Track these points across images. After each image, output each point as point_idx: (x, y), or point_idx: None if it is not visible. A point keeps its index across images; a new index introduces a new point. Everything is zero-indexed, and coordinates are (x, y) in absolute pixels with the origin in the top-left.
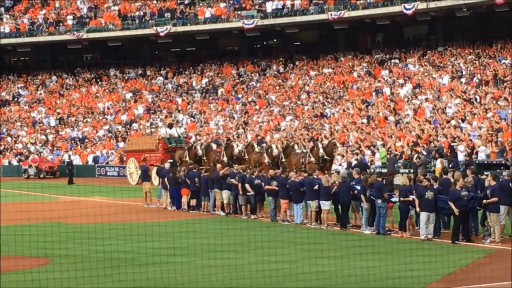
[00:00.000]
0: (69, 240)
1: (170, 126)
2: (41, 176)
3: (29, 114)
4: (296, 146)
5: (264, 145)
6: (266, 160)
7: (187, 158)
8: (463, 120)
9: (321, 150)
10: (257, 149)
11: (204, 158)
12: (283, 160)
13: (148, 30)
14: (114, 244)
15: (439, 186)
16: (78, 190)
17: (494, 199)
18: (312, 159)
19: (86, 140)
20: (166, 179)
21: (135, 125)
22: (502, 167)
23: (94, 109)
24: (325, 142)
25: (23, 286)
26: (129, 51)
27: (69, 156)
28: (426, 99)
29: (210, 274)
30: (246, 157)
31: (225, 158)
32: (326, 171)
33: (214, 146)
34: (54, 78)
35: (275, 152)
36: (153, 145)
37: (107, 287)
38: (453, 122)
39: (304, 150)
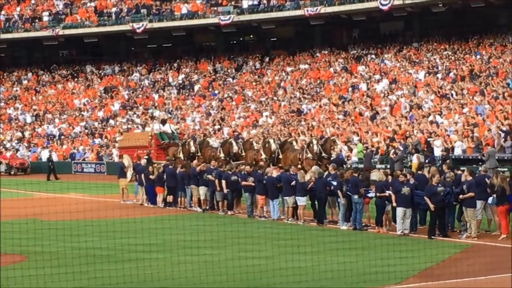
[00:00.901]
0: (45, 237)
1: (164, 122)
2: (12, 173)
3: (5, 111)
4: (294, 142)
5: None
6: (263, 156)
7: (181, 155)
8: (439, 116)
9: (315, 147)
10: (256, 146)
11: (199, 154)
12: (280, 156)
13: (124, 27)
14: (90, 241)
15: (415, 181)
16: (54, 187)
17: (471, 194)
18: (309, 155)
19: (63, 137)
20: (142, 175)
21: (111, 122)
22: (478, 162)
23: (70, 105)
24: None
25: None
26: (105, 48)
27: (50, 152)
28: (403, 95)
29: (186, 270)
30: (243, 154)
31: (222, 155)
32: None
33: (210, 141)
34: (30, 74)
35: (273, 147)
36: (146, 142)
37: (83, 284)
38: (429, 118)
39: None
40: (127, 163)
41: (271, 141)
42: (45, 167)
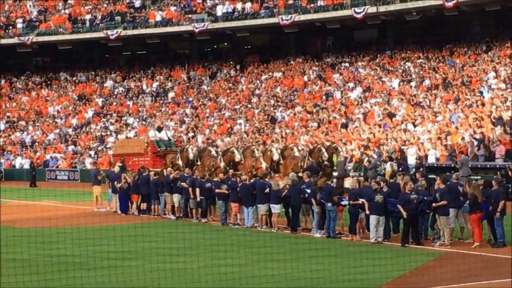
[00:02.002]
0: (17, 244)
1: (160, 129)
2: None
3: None
4: (295, 149)
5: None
6: (264, 165)
7: (180, 161)
8: (413, 124)
9: (325, 154)
10: (257, 154)
11: (198, 163)
12: (281, 162)
13: (98, 34)
14: (63, 248)
15: (388, 189)
16: (26, 194)
17: (443, 202)
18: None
19: (36, 144)
20: (115, 183)
21: (83, 129)
22: (451, 170)
23: (44, 112)
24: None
25: None
26: (79, 55)
27: (32, 161)
28: (376, 103)
29: (159, 278)
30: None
31: (222, 164)
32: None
33: (212, 150)
34: (3, 81)
35: (276, 156)
36: (141, 149)
37: None
38: (403, 126)
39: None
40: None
41: (273, 149)
42: (19, 174)
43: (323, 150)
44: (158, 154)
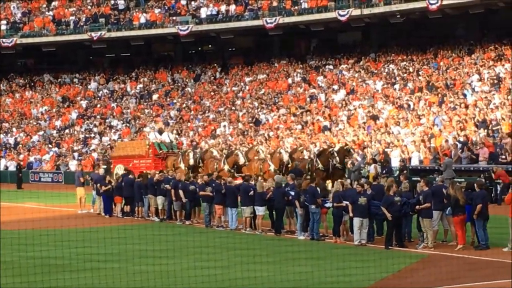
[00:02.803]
0: (1, 246)
1: (161, 131)
2: None
3: None
4: (305, 151)
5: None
6: (272, 167)
7: (182, 165)
8: (397, 126)
9: (337, 158)
10: (262, 155)
11: (200, 165)
12: (289, 166)
13: (82, 36)
14: (46, 250)
15: (372, 191)
16: (9, 196)
17: (427, 204)
18: (320, 165)
19: (19, 146)
20: (98, 185)
21: (67, 131)
22: (435, 173)
23: (28, 114)
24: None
25: None
26: (63, 57)
27: (19, 162)
28: (360, 105)
29: (142, 280)
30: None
31: (226, 167)
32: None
33: (214, 151)
34: None
35: (285, 158)
36: (142, 151)
37: None
38: (387, 128)
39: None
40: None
41: (283, 151)
42: (4, 176)
43: (335, 152)
44: (160, 157)
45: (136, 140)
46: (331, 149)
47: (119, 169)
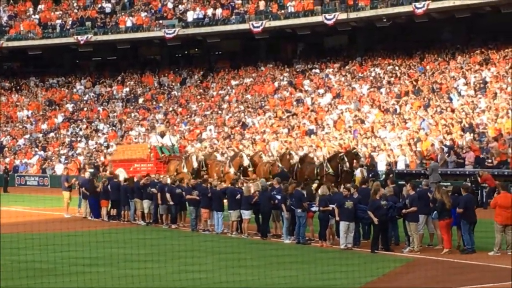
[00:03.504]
0: None
1: (162, 134)
2: None
3: None
4: (312, 155)
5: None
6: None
7: (185, 169)
8: (383, 130)
9: (347, 163)
10: (265, 159)
11: (204, 169)
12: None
13: (69, 39)
14: (31, 254)
15: (359, 195)
16: None
17: (413, 208)
18: (331, 170)
19: (5, 149)
20: (84, 188)
21: (52, 134)
22: (421, 177)
23: (14, 118)
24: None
25: None
26: (49, 60)
27: (6, 166)
28: (347, 109)
29: (127, 284)
30: (251, 168)
31: (231, 170)
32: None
33: (217, 155)
34: None
35: (294, 160)
36: (144, 155)
37: None
38: (373, 132)
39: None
40: (122, 177)
41: (293, 153)
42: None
43: (345, 157)
44: (162, 160)
45: (137, 144)
46: (341, 154)
47: (120, 173)
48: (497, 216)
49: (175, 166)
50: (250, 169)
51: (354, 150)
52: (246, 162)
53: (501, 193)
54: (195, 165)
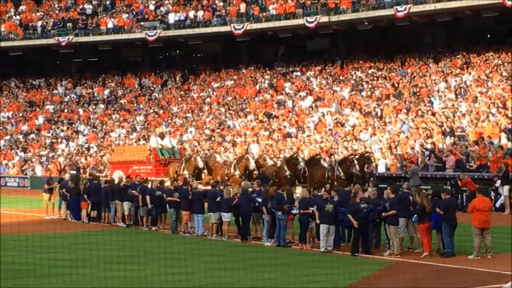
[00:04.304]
0: None
1: (162, 136)
2: None
3: None
4: (322, 160)
5: (281, 157)
6: (288, 173)
7: (185, 171)
8: (364, 133)
9: (356, 166)
10: (269, 162)
11: (206, 171)
12: (307, 174)
13: (50, 40)
14: (10, 256)
15: (339, 198)
16: None
17: (393, 211)
18: (342, 174)
19: None
20: (64, 190)
21: (33, 136)
22: (401, 180)
23: None
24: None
25: None
26: (30, 61)
27: None
28: (328, 112)
29: (107, 286)
30: (256, 172)
31: (237, 172)
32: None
33: (218, 157)
34: None
35: (301, 164)
36: (143, 157)
37: None
38: (353, 135)
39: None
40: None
41: (299, 158)
42: None
43: (354, 160)
44: (161, 163)
45: (136, 145)
46: (351, 157)
47: (117, 176)
48: (475, 220)
49: (175, 168)
50: (256, 172)
51: (367, 154)
52: (252, 165)
53: (478, 197)
54: (201, 164)
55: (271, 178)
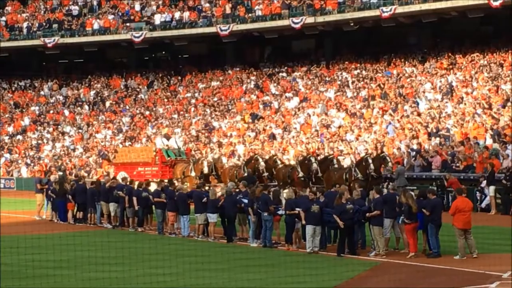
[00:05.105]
0: None
1: (168, 137)
2: None
3: None
4: (334, 160)
5: (296, 158)
6: (301, 174)
7: (193, 173)
8: (349, 134)
9: (371, 166)
10: (280, 163)
11: (214, 173)
12: (319, 175)
13: (36, 41)
14: None
15: (325, 199)
16: None
17: (377, 212)
18: (359, 175)
19: None
20: (50, 191)
21: (19, 137)
22: (387, 180)
23: None
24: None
25: None
26: (16, 62)
27: None
28: (314, 113)
29: (91, 286)
30: (265, 174)
31: (246, 174)
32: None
33: (223, 159)
34: None
35: (314, 166)
36: (149, 158)
37: None
38: (339, 136)
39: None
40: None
41: (312, 159)
42: None
43: (369, 160)
44: (167, 164)
45: (141, 146)
46: (366, 156)
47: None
48: (457, 221)
49: (182, 169)
50: (265, 174)
51: (383, 154)
52: (262, 165)
53: (459, 198)
54: (206, 170)
55: (284, 179)
